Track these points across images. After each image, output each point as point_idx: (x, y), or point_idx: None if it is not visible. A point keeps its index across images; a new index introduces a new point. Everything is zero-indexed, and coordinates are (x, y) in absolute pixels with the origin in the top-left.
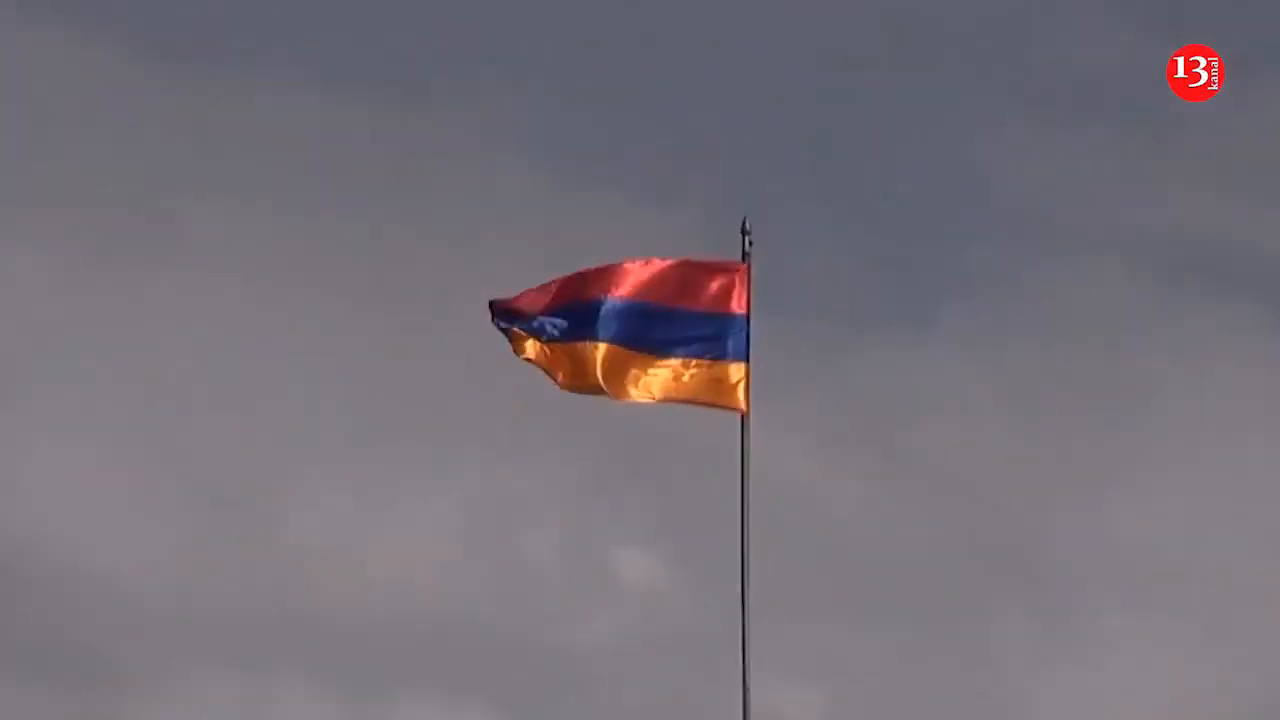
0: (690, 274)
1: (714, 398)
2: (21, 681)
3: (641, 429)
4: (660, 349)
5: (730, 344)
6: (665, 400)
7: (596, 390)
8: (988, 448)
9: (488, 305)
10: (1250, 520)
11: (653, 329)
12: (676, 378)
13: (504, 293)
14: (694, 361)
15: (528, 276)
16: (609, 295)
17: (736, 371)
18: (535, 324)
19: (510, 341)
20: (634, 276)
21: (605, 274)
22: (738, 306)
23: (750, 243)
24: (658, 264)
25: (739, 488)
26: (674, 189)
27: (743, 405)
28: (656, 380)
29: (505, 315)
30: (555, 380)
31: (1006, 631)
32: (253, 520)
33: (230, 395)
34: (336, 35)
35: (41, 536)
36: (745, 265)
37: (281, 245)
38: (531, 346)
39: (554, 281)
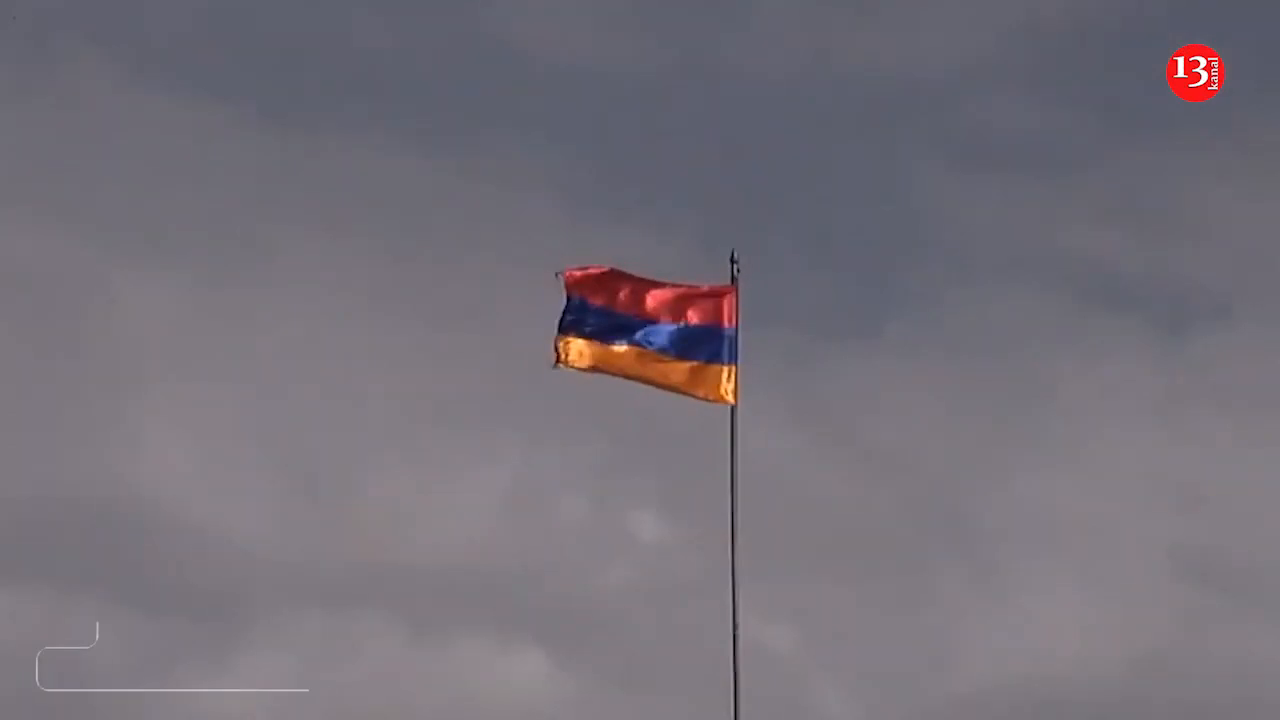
0: (693, 297)
1: (710, 392)
2: (154, 614)
3: (652, 417)
4: (671, 353)
5: (723, 350)
6: (672, 390)
7: (622, 376)
8: (926, 433)
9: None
10: (1136, 490)
11: (668, 339)
12: (681, 375)
13: (546, 313)
14: (695, 364)
15: (556, 296)
16: (636, 314)
17: (728, 372)
18: (580, 317)
19: (557, 339)
20: (656, 298)
21: (638, 293)
22: (729, 322)
23: (738, 270)
24: (671, 289)
25: (729, 464)
26: (675, 226)
27: (732, 399)
28: (666, 375)
29: (571, 295)
30: (581, 366)
31: (942, 579)
32: (337, 488)
33: (319, 387)
34: (402, 97)
35: (170, 499)
36: (734, 288)
37: (359, 268)
38: (568, 348)
39: (609, 276)
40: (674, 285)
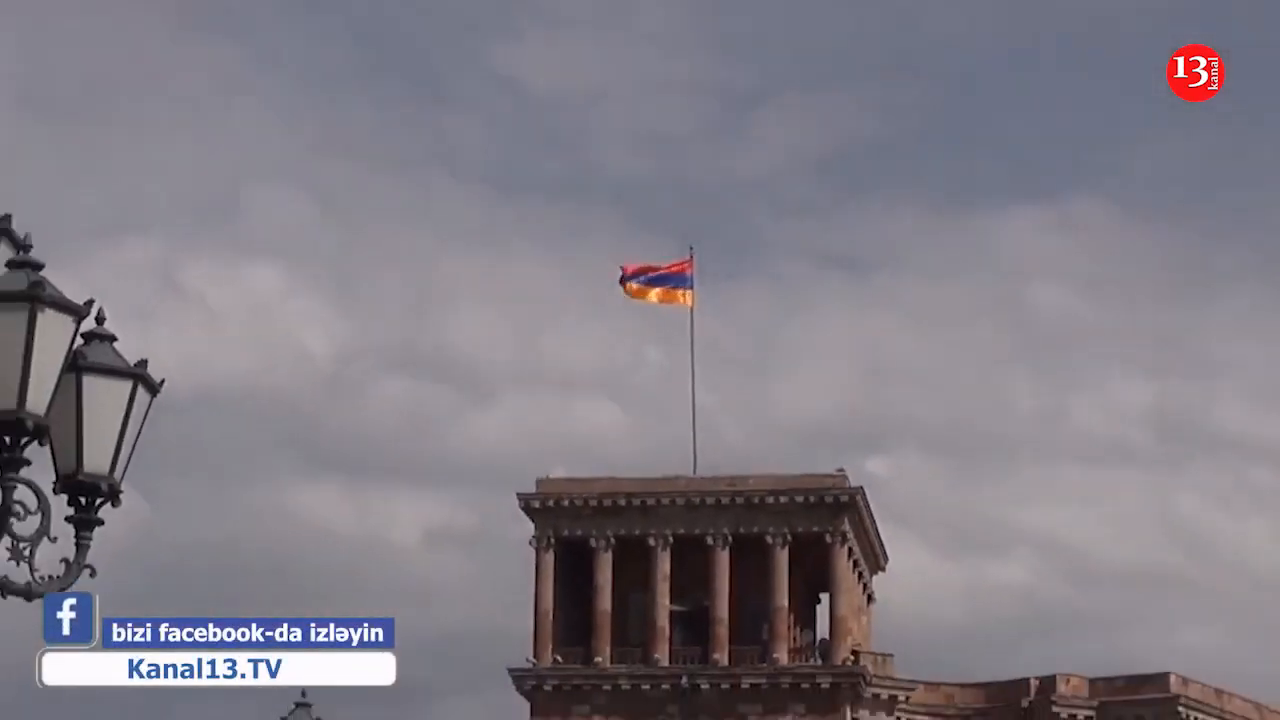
0: (674, 266)
1: (682, 302)
2: (421, 381)
3: (660, 313)
4: (663, 285)
5: (686, 283)
6: (666, 303)
7: (651, 299)
8: (763, 314)
9: (620, 270)
10: (848, 338)
11: (662, 280)
12: (669, 295)
13: (615, 270)
14: (677, 290)
15: (614, 259)
16: (654, 271)
17: (689, 294)
18: (639, 278)
19: (625, 285)
20: (658, 268)
21: (654, 267)
22: (689, 271)
23: (692, 255)
24: (668, 265)
25: (690, 334)
26: (667, 239)
27: (691, 305)
28: (664, 296)
29: (631, 275)
30: (642, 297)
31: (775, 369)
32: (521, 332)
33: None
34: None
35: (443, 335)
36: (691, 261)
37: (536, 255)
38: (629, 289)
39: (649, 266)
40: (667, 264)
